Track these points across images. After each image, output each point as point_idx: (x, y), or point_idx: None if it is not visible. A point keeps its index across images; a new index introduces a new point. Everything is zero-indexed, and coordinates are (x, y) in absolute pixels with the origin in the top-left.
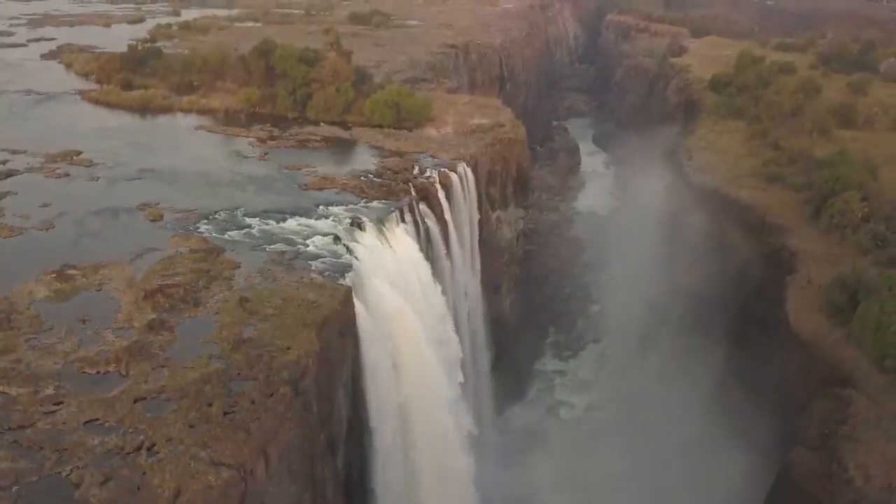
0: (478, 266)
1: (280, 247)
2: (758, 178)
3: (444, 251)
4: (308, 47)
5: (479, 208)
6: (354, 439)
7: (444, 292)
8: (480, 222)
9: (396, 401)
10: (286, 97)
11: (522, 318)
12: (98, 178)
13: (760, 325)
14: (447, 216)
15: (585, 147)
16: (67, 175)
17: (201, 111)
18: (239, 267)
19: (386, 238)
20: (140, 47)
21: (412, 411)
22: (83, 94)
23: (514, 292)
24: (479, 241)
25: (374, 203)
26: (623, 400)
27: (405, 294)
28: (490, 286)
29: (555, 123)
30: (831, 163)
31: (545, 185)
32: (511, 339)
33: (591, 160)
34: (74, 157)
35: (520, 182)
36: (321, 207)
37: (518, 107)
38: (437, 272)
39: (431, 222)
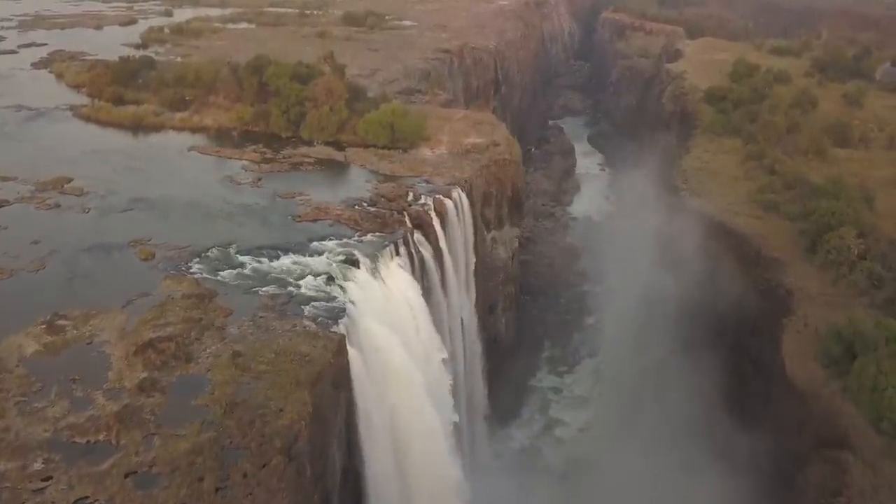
0: (473, 289)
1: (273, 289)
2: (753, 206)
3: (440, 280)
4: (301, 62)
5: (475, 231)
6: (349, 487)
7: (438, 323)
8: (475, 245)
9: (392, 444)
10: (280, 116)
11: (518, 335)
12: (89, 209)
13: (755, 363)
14: (442, 244)
15: (581, 147)
16: (58, 206)
17: (194, 129)
18: (231, 314)
19: (380, 274)
20: (131, 59)
21: (408, 454)
22: (75, 111)
23: (509, 311)
24: (475, 263)
25: (369, 237)
26: (616, 421)
27: (399, 332)
28: (485, 307)
29: (550, 123)
30: (826, 191)
31: (540, 189)
32: (507, 358)
33: (587, 161)
34: (65, 185)
35: (514, 201)
36: (315, 243)
37: (513, 108)
38: (432, 303)
39: (426, 252)
